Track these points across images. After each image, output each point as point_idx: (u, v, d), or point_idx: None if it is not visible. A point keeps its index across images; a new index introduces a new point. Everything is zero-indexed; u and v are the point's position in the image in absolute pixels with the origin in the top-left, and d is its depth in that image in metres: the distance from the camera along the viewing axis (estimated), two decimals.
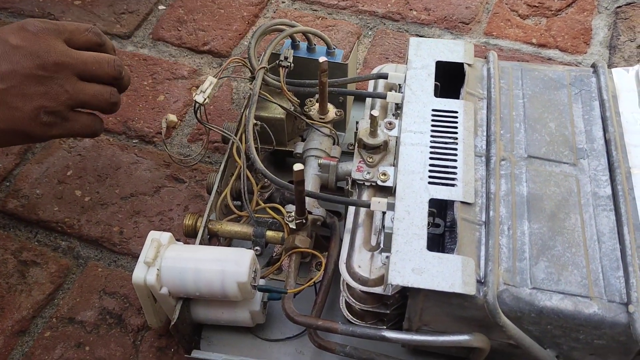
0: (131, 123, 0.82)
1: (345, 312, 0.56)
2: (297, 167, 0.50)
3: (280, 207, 0.60)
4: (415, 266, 0.46)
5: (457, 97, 0.59)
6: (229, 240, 0.64)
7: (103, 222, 0.73)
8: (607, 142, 0.56)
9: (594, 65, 0.62)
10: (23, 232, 0.73)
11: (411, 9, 0.94)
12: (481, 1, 0.95)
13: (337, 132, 0.69)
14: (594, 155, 0.55)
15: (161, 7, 0.97)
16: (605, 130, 0.57)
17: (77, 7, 0.97)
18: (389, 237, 0.49)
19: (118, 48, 0.91)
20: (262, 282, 0.57)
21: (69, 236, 0.72)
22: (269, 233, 0.60)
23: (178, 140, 0.80)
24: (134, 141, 0.81)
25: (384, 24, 0.93)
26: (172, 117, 0.64)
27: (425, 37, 0.91)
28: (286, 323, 0.58)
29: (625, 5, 0.92)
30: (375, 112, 0.55)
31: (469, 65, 0.61)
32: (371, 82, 0.67)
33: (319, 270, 0.62)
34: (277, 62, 0.65)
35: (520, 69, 0.62)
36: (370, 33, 0.92)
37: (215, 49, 0.91)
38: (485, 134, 0.57)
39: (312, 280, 0.56)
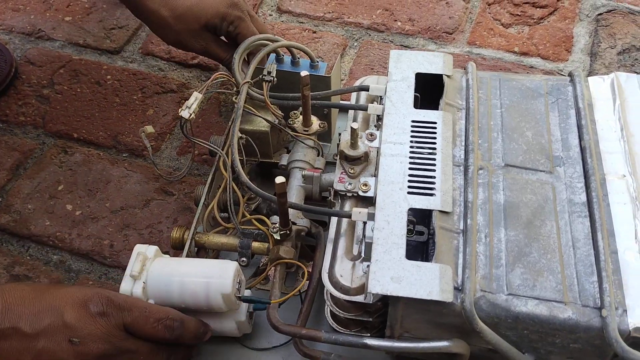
0: (121, 137, 0.83)
1: (330, 321, 0.57)
2: (279, 180, 0.51)
3: (265, 218, 0.62)
4: (394, 275, 0.48)
5: (437, 108, 0.61)
6: (216, 252, 0.66)
7: (94, 235, 0.74)
8: (582, 150, 0.57)
9: (570, 74, 0.64)
10: (15, 246, 0.74)
11: (396, 20, 0.96)
12: (464, 11, 0.97)
13: (323, 143, 0.71)
14: (570, 163, 0.57)
15: None
16: (580, 138, 0.58)
17: (67, 23, 0.98)
18: (369, 247, 0.50)
19: (108, 64, 0.93)
20: (247, 292, 0.58)
21: (60, 250, 0.73)
22: (255, 244, 0.61)
23: (167, 154, 0.82)
24: (123, 155, 0.82)
25: (370, 35, 0.95)
26: (150, 129, 0.65)
27: (410, 47, 0.92)
28: (273, 332, 0.59)
29: (606, 12, 0.94)
30: (355, 125, 0.56)
31: (447, 76, 0.63)
32: (354, 94, 0.69)
33: (305, 279, 0.64)
34: (261, 76, 0.66)
35: (498, 79, 0.64)
36: (355, 44, 0.94)
37: (204, 62, 0.92)
38: (463, 143, 0.58)
39: (296, 290, 0.57)
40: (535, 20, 0.95)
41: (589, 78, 0.64)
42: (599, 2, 0.95)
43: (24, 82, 0.90)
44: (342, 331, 0.56)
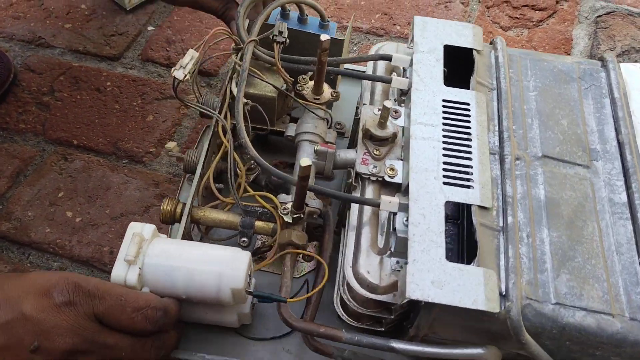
0: (121, 143, 0.70)
1: (340, 311, 0.45)
2: (305, 162, 0.38)
3: (272, 196, 0.48)
4: (434, 278, 0.36)
5: (462, 84, 0.49)
6: (208, 228, 0.52)
7: (94, 242, 0.62)
8: (620, 145, 0.46)
9: (602, 59, 0.53)
10: (16, 254, 0.62)
11: (395, 24, 0.84)
12: (463, 14, 0.85)
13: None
14: (608, 158, 0.46)
15: (150, 28, 0.83)
16: (617, 131, 0.47)
17: (67, 30, 0.82)
18: (402, 242, 0.38)
19: (108, 70, 0.77)
20: (253, 281, 0.46)
21: (60, 257, 0.62)
22: (259, 224, 0.48)
23: (167, 160, 0.69)
24: (123, 161, 0.69)
25: (369, 39, 0.82)
26: (172, 144, 0.52)
27: None
28: (272, 320, 0.48)
29: (605, 14, 0.83)
30: (389, 103, 0.44)
31: (477, 51, 0.51)
32: (370, 63, 0.55)
33: (307, 261, 0.52)
34: (272, 36, 0.52)
35: (528, 58, 0.51)
36: (355, 48, 0.81)
37: (203, 67, 0.77)
38: (497, 129, 0.46)
39: (317, 289, 0.44)
40: (534, 23, 0.84)
41: (621, 65, 0.53)
42: (598, 4, 0.85)
43: (24, 90, 0.75)
44: (357, 325, 0.44)
